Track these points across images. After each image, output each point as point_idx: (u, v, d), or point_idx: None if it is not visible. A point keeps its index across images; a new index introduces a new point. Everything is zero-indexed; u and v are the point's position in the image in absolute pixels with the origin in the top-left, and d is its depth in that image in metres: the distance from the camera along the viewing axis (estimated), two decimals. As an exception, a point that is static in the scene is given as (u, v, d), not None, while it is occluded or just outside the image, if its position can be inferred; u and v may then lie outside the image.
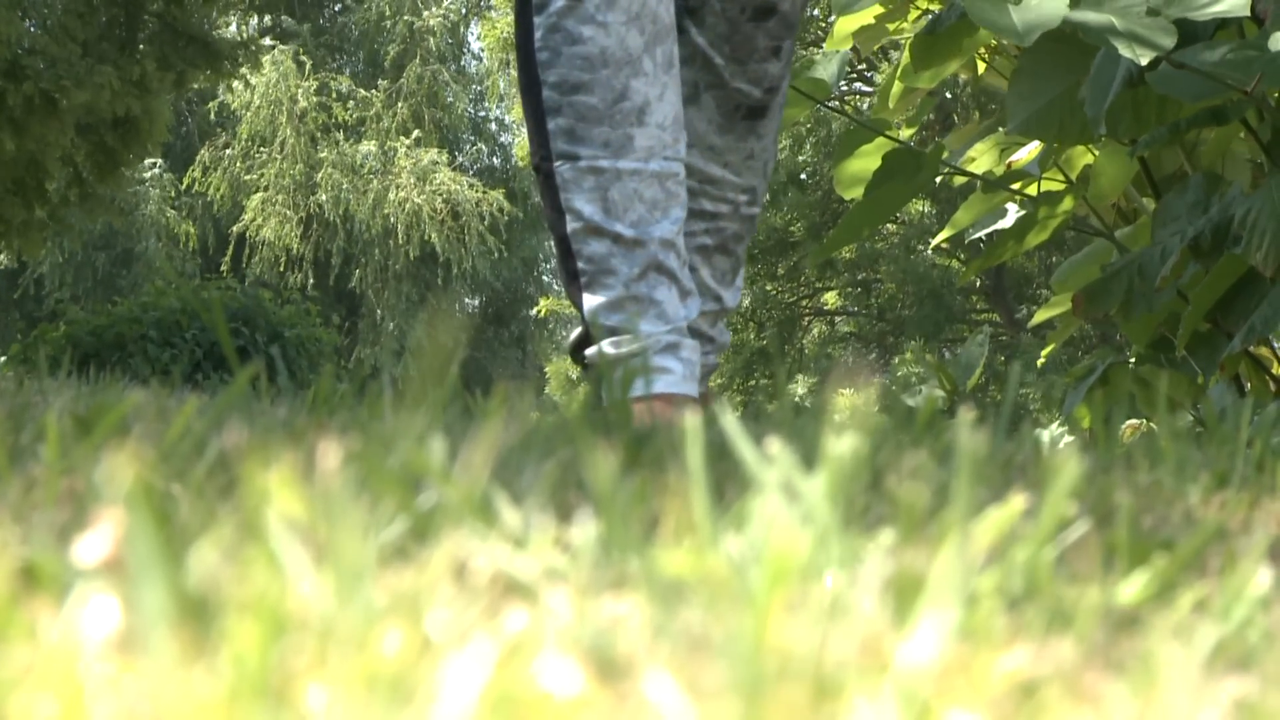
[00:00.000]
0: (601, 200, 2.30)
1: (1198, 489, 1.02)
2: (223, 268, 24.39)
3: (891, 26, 4.11)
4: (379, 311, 25.41)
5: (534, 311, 24.93)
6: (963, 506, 0.61)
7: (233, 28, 17.39)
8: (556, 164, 2.32)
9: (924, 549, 0.62)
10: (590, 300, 2.32)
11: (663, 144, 2.33)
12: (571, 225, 2.32)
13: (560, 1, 2.29)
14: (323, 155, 24.95)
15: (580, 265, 2.32)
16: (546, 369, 22.74)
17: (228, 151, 25.22)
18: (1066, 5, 3.00)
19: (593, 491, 0.67)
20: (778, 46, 2.59)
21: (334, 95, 25.83)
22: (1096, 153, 3.86)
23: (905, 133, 4.18)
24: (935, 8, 4.05)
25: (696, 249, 2.60)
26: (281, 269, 24.73)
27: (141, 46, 11.57)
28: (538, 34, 2.32)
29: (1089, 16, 3.00)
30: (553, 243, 2.42)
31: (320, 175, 24.81)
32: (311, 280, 24.88)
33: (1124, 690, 0.54)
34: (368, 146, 25.29)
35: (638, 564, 0.62)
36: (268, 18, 26.76)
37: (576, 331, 2.46)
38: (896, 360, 18.56)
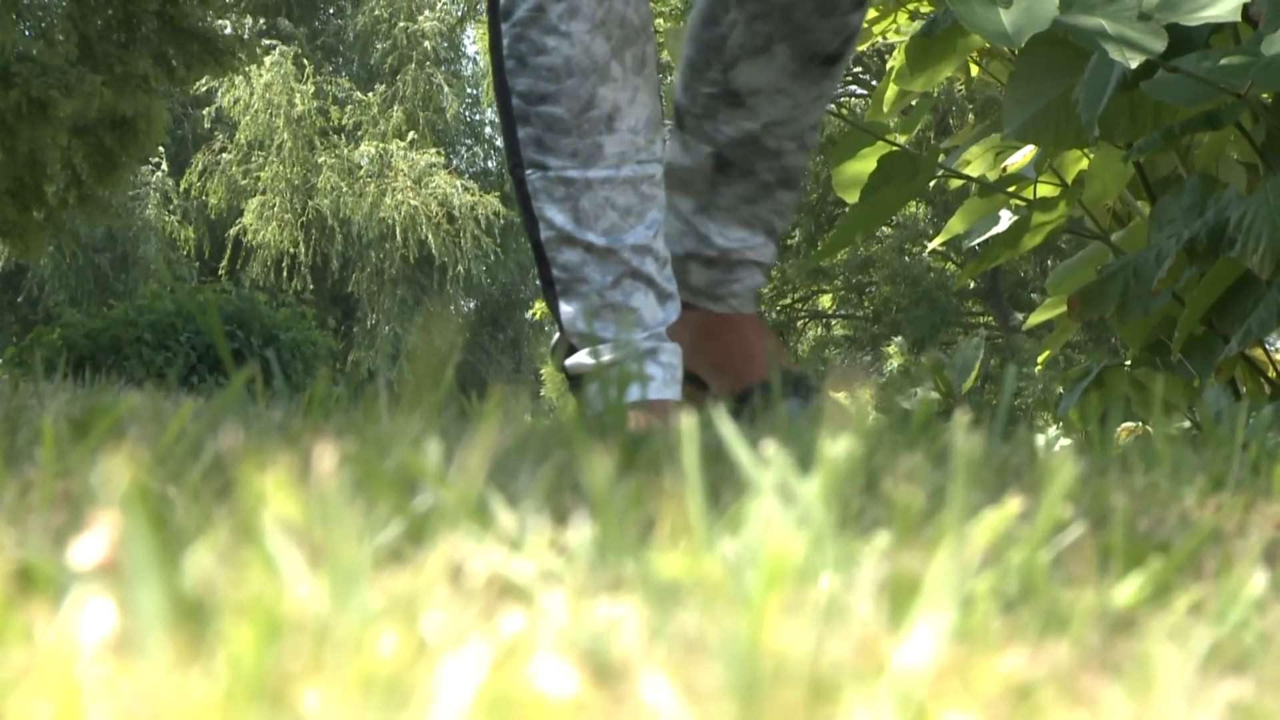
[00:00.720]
0: (572, 210, 2.29)
1: (1193, 491, 1.02)
2: (220, 271, 24.40)
3: (877, 29, 4.12)
4: (374, 315, 25.41)
5: (529, 315, 24.93)
6: (958, 509, 0.61)
7: (228, 30, 17.37)
8: (527, 172, 2.31)
9: (920, 551, 0.62)
10: (567, 308, 2.31)
11: (635, 148, 2.31)
12: (544, 234, 2.31)
13: (523, 11, 2.27)
14: (320, 159, 24.96)
15: (555, 273, 2.32)
16: (542, 371, 22.74)
17: (224, 155, 25.23)
18: (1057, 7, 3.00)
19: (588, 494, 0.68)
20: (862, 0, 2.53)
21: (331, 99, 25.84)
22: (1091, 156, 3.86)
23: (902, 137, 4.18)
24: (925, 9, 4.06)
25: (761, 186, 2.53)
26: (283, 272, 24.73)
27: (140, 45, 11.58)
28: (504, 42, 2.30)
29: (1080, 20, 3.00)
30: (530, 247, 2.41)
31: (317, 179, 24.81)
32: (311, 285, 24.89)
33: (1119, 693, 0.54)
34: (365, 149, 25.30)
35: (633, 566, 0.62)
36: (263, 21, 26.75)
37: (556, 337, 2.45)
38: (893, 363, 18.56)
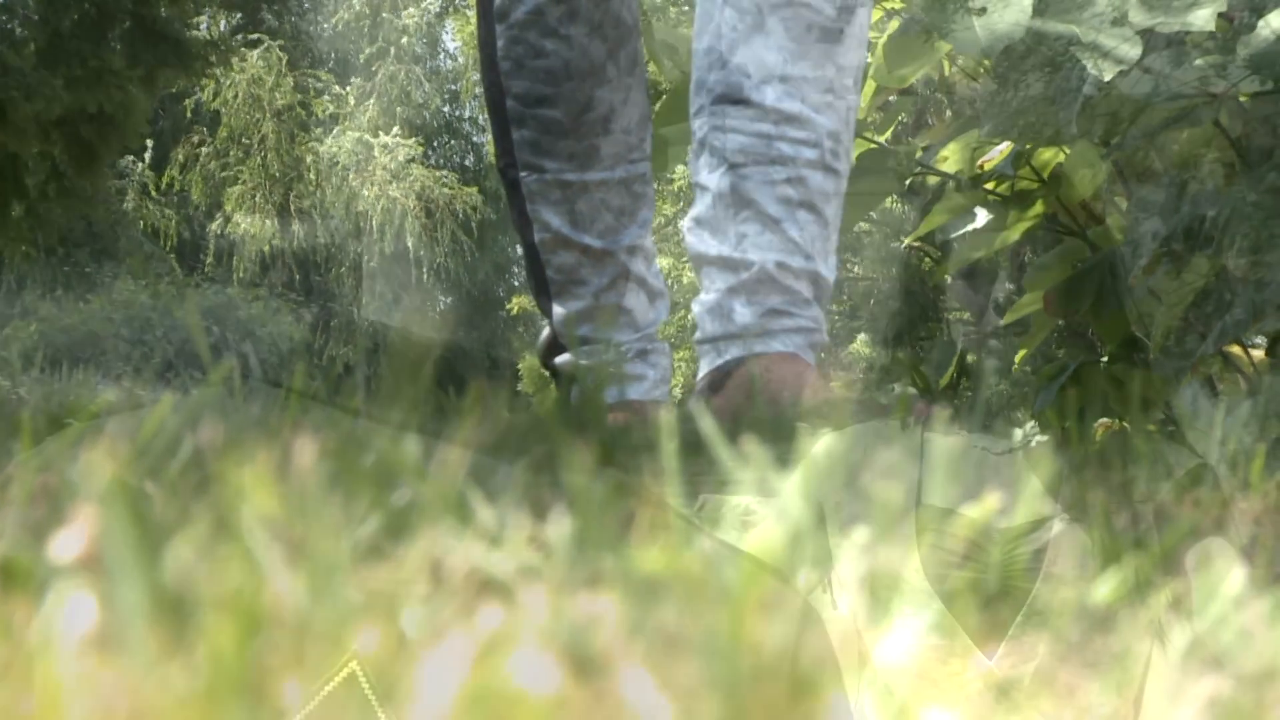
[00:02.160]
0: (569, 212, 2.28)
1: (1171, 488, 1.02)
2: (206, 267, 24.35)
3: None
4: (352, 309, 25.37)
5: (506, 311, 24.90)
6: (937, 505, 0.61)
7: (204, 27, 17.33)
8: (523, 174, 2.30)
9: (899, 547, 0.62)
10: (560, 309, 2.30)
11: (628, 147, 2.30)
12: (540, 235, 2.30)
13: (521, 13, 2.25)
14: (299, 152, 24.92)
15: (550, 274, 2.31)
16: (519, 367, 22.72)
17: (203, 149, 25.18)
18: (1029, 14, 3.00)
19: (568, 490, 0.67)
20: None
21: (312, 92, 25.79)
22: (1068, 150, 3.87)
23: (882, 136, 4.18)
24: (897, 6, 4.06)
25: (780, 200, 2.11)
26: (266, 265, 24.68)
27: (116, 46, 11.54)
28: (500, 43, 2.28)
29: (1053, 27, 3.00)
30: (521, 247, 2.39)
31: (297, 172, 24.77)
32: (297, 277, 24.84)
33: (1099, 688, 0.54)
34: (345, 143, 25.24)
35: (613, 562, 0.62)
36: (240, 15, 26.69)
37: (544, 335, 2.43)
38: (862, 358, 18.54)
